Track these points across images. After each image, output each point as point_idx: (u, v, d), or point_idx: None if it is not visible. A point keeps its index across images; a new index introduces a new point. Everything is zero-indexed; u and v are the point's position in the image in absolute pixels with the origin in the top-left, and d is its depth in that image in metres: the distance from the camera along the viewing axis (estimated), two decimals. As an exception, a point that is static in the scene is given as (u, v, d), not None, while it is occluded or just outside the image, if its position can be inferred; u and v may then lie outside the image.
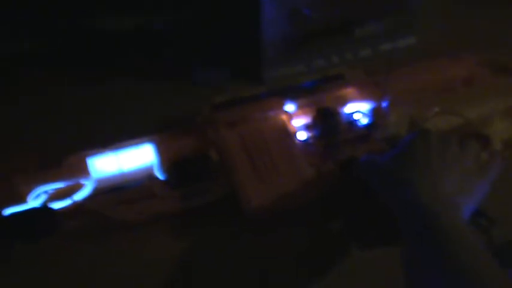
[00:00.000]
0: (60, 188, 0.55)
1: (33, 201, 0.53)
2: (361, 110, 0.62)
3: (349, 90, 0.63)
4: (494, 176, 0.49)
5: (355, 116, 0.61)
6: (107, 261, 0.54)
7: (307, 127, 0.60)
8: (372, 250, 0.56)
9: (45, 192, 0.54)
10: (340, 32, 0.70)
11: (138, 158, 0.56)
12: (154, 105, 0.62)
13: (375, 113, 0.61)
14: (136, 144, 0.56)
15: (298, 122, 0.60)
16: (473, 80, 0.67)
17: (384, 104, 0.60)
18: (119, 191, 0.55)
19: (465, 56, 0.69)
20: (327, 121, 0.59)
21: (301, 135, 0.60)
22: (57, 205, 0.53)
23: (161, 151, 0.56)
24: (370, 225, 0.56)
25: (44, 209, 0.52)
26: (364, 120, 0.61)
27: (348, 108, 0.62)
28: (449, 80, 0.66)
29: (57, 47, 0.65)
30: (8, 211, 0.52)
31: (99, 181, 0.55)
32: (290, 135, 0.58)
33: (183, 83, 0.64)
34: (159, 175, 0.56)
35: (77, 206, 0.54)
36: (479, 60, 0.69)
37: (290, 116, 0.60)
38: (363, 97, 0.62)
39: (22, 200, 0.53)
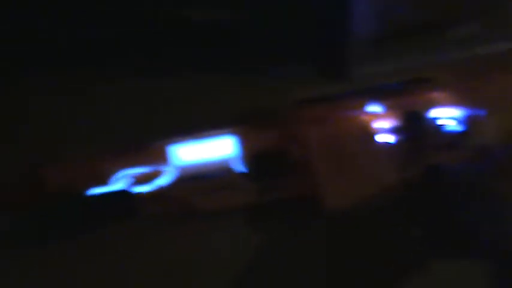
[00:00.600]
0: (142, 173, 0.56)
1: (116, 183, 0.55)
2: (451, 116, 0.59)
3: (439, 94, 0.60)
4: None
5: (444, 122, 0.59)
6: (181, 248, 0.55)
7: (392, 130, 0.58)
8: (451, 261, 0.54)
9: (128, 176, 0.55)
10: (433, 32, 0.67)
11: (219, 148, 0.56)
12: (238, 98, 0.62)
13: (466, 120, 0.58)
14: (218, 135, 0.57)
15: (383, 124, 0.58)
16: None
17: (477, 111, 0.57)
18: (198, 180, 0.56)
19: None
20: (413, 125, 0.57)
21: (386, 138, 0.58)
22: (137, 189, 0.55)
23: (242, 144, 0.56)
24: (451, 236, 0.54)
25: (125, 192, 0.54)
26: (454, 127, 0.58)
27: (437, 113, 0.59)
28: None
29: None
30: (91, 192, 0.54)
31: (180, 169, 0.56)
32: (374, 137, 0.57)
33: (268, 77, 0.64)
34: (239, 167, 0.56)
35: (156, 192, 0.55)
36: None
37: (375, 117, 0.58)
38: (454, 102, 0.59)
39: (105, 182, 0.55)
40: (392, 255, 0.56)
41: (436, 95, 0.60)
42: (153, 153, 0.56)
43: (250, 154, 0.56)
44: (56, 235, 0.55)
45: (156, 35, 0.66)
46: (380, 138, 0.57)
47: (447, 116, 0.59)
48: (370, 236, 0.57)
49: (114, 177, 0.55)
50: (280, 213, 0.56)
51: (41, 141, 0.60)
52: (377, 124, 0.58)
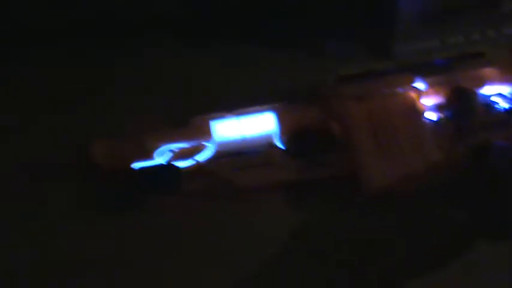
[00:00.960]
0: (184, 148, 0.56)
1: (159, 158, 0.56)
2: (502, 93, 0.57)
3: (490, 71, 0.58)
4: None
5: (494, 99, 0.57)
6: (219, 224, 0.56)
7: (438, 107, 0.57)
8: (500, 244, 0.53)
9: (170, 150, 0.56)
10: (484, 6, 0.64)
11: (259, 125, 0.56)
12: (279, 74, 0.62)
13: (518, 97, 0.56)
14: (259, 111, 0.56)
15: (429, 101, 0.57)
16: None
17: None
18: (238, 156, 0.56)
19: None
20: (461, 102, 0.55)
21: (431, 116, 0.56)
22: (180, 164, 0.55)
23: (283, 120, 0.56)
24: (500, 218, 0.53)
25: (169, 166, 0.55)
26: (505, 105, 0.56)
27: (487, 90, 0.57)
28: None
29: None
30: (137, 165, 0.55)
31: (221, 144, 0.56)
32: (419, 114, 0.55)
33: (309, 53, 0.63)
34: (279, 144, 0.56)
35: (198, 166, 0.56)
36: None
37: (420, 94, 0.56)
38: (505, 79, 0.57)
39: (149, 156, 0.56)
40: (435, 238, 0.55)
41: (486, 71, 0.58)
42: (194, 129, 0.56)
43: (291, 131, 0.55)
44: (103, 208, 0.57)
45: (199, 10, 0.67)
46: (426, 116, 0.56)
47: (498, 93, 0.57)
48: (413, 217, 0.56)
49: (157, 152, 0.56)
50: (320, 192, 0.56)
51: (89, 118, 0.62)
52: (423, 101, 0.56)
